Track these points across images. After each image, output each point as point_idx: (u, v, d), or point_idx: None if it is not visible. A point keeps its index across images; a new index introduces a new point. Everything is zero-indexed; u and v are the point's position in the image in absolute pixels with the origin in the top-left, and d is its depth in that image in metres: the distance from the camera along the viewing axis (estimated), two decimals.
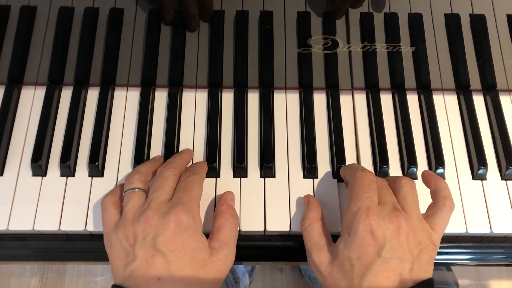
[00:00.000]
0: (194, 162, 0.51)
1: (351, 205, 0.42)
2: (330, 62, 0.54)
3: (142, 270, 0.39)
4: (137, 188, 0.44)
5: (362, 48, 0.54)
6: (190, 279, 0.40)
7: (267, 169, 0.50)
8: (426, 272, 0.40)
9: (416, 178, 0.51)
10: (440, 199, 0.44)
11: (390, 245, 0.39)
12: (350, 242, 0.40)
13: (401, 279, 0.38)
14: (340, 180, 0.51)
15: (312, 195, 0.49)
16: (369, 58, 0.54)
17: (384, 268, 0.38)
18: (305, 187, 0.50)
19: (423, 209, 0.45)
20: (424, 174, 0.47)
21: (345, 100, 0.55)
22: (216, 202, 0.49)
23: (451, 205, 0.44)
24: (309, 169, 0.50)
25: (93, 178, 0.50)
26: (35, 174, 0.49)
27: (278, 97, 0.55)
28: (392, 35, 0.54)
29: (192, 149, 0.51)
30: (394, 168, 0.51)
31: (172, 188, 0.44)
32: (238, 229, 0.47)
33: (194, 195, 0.44)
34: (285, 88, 0.55)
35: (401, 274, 0.39)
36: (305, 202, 0.48)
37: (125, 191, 0.44)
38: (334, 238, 0.43)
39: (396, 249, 0.39)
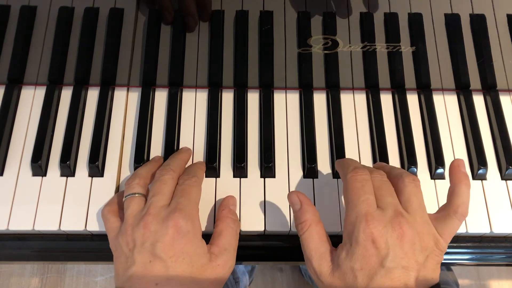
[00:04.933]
0: (193, 162, 0.51)
1: (348, 212, 0.40)
2: (330, 62, 0.54)
3: (140, 275, 0.39)
4: (137, 193, 0.44)
5: (362, 48, 0.54)
6: (188, 284, 0.40)
7: (267, 169, 0.50)
8: (432, 278, 0.38)
9: None
10: (453, 204, 0.41)
11: (394, 254, 0.37)
12: (352, 252, 0.38)
13: None
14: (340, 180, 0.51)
15: (300, 191, 0.45)
16: (369, 58, 0.54)
17: (388, 278, 0.37)
18: (305, 187, 0.50)
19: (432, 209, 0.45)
20: (452, 165, 0.43)
21: (345, 100, 0.55)
22: (216, 202, 0.49)
23: (464, 214, 0.41)
24: (309, 169, 0.50)
25: (93, 178, 0.50)
26: (35, 174, 0.49)
27: (278, 97, 0.54)
28: (392, 35, 0.54)
29: (192, 149, 0.51)
30: None
31: (171, 192, 0.44)
32: (239, 233, 0.47)
33: (192, 199, 0.43)
34: (285, 88, 0.55)
35: (406, 283, 0.37)
36: (294, 201, 0.43)
37: (125, 196, 0.44)
38: (333, 238, 0.43)
39: (400, 258, 0.37)
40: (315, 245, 0.41)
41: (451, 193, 0.42)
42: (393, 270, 0.37)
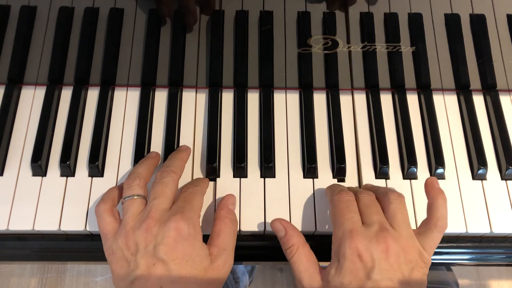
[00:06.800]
0: (193, 163, 0.51)
1: (335, 231, 0.42)
2: (330, 62, 0.54)
3: (144, 279, 0.39)
4: (137, 195, 0.43)
5: (362, 48, 0.54)
6: (192, 286, 0.40)
7: (267, 169, 0.50)
8: None
9: (416, 178, 0.51)
10: (433, 218, 0.43)
11: (380, 267, 0.39)
12: (340, 267, 0.40)
13: None
14: (340, 180, 0.51)
15: (286, 219, 0.46)
16: (369, 58, 0.54)
17: None
18: (305, 187, 0.50)
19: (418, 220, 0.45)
20: (426, 183, 0.45)
21: (345, 100, 0.55)
22: (216, 202, 0.49)
23: (444, 226, 0.43)
24: (309, 169, 0.50)
25: (93, 178, 0.50)
26: (35, 174, 0.49)
27: (278, 97, 0.54)
28: (392, 35, 0.54)
29: (192, 149, 0.51)
30: (394, 168, 0.51)
31: (173, 195, 0.44)
32: (237, 232, 0.47)
33: (194, 205, 0.43)
34: (285, 88, 0.55)
35: None
36: (278, 228, 0.45)
37: (125, 198, 0.44)
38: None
39: (386, 270, 0.39)
40: (304, 267, 0.42)
41: (430, 208, 0.44)
42: (380, 282, 0.39)
